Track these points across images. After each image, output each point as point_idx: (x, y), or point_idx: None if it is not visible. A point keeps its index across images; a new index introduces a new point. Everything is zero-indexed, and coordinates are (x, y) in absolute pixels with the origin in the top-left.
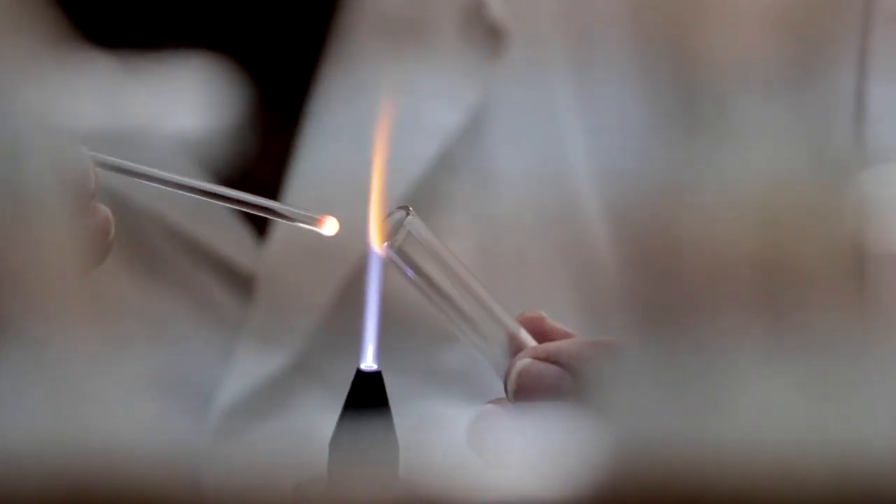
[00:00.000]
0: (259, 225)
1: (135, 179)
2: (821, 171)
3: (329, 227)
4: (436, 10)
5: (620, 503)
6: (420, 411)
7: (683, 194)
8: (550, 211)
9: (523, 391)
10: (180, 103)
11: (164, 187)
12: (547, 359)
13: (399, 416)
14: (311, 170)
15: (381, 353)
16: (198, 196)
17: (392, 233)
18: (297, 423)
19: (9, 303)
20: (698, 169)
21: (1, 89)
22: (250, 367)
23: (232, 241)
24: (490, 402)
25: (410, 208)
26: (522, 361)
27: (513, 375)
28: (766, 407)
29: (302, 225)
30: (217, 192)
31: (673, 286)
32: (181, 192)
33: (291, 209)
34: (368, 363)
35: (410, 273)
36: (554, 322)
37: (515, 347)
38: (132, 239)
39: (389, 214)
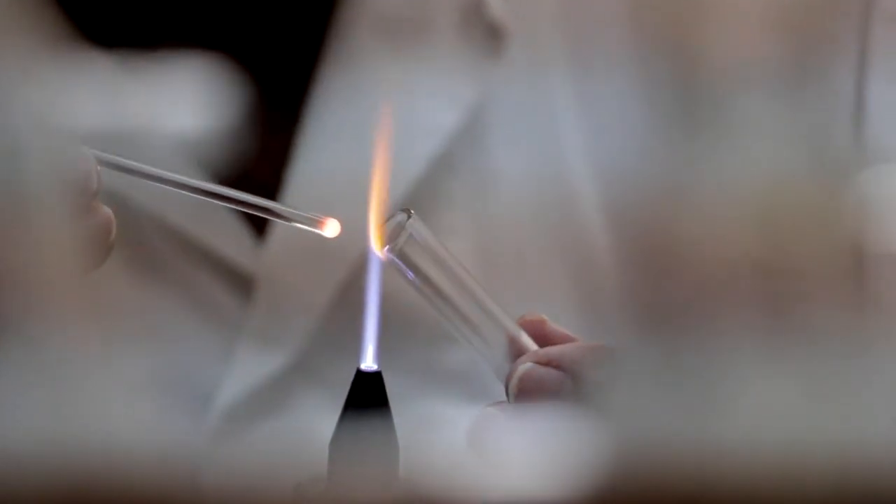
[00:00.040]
0: (258, 225)
1: (135, 179)
2: (821, 171)
3: (330, 229)
4: (435, 9)
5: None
6: (420, 411)
7: (683, 194)
8: (550, 211)
9: (525, 395)
10: (180, 103)
11: (164, 187)
12: (548, 363)
13: (399, 416)
14: (311, 169)
15: (381, 353)
16: (200, 196)
17: (393, 235)
18: (297, 423)
19: (9, 303)
20: (698, 169)
21: (1, 89)
22: (250, 368)
23: (231, 241)
24: (490, 404)
25: (412, 211)
26: (524, 366)
27: (514, 379)
28: (766, 407)
29: (303, 227)
30: (221, 192)
31: (672, 286)
32: (183, 191)
33: (293, 211)
34: (368, 363)
35: (411, 276)
36: (555, 325)
37: (516, 351)
38: (132, 239)
39: (391, 217)
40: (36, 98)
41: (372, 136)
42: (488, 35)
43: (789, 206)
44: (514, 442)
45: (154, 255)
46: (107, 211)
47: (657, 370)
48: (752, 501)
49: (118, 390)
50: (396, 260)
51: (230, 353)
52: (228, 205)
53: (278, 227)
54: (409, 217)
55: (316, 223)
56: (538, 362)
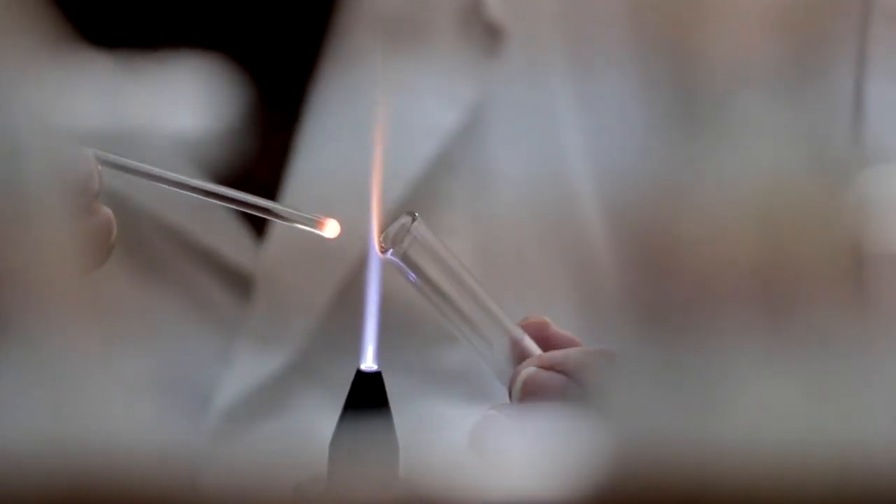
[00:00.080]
0: (258, 225)
1: (135, 179)
2: (820, 171)
3: (330, 229)
4: (434, 9)
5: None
6: (420, 411)
7: (683, 194)
8: (549, 210)
9: (528, 399)
10: (179, 103)
11: (164, 187)
12: (552, 367)
13: (399, 416)
14: (310, 169)
15: (381, 353)
16: (200, 196)
17: (398, 238)
18: (297, 423)
19: (9, 303)
20: (698, 168)
21: (1, 89)
22: (250, 368)
23: (231, 241)
24: (491, 406)
25: (416, 214)
26: (528, 370)
27: (518, 383)
28: (766, 407)
29: (303, 227)
30: (220, 192)
31: (672, 286)
32: (183, 191)
33: (293, 211)
34: (368, 363)
35: (415, 278)
36: (557, 328)
37: (519, 354)
38: (131, 239)
39: (395, 219)
40: (36, 98)
41: (371, 136)
42: (487, 35)
43: (789, 206)
44: (516, 443)
45: (154, 256)
46: (107, 211)
47: (657, 370)
48: (752, 501)
49: (118, 390)
50: (400, 263)
51: (230, 353)
52: (228, 205)
53: (278, 228)
54: (414, 220)
55: (315, 223)
56: (542, 366)
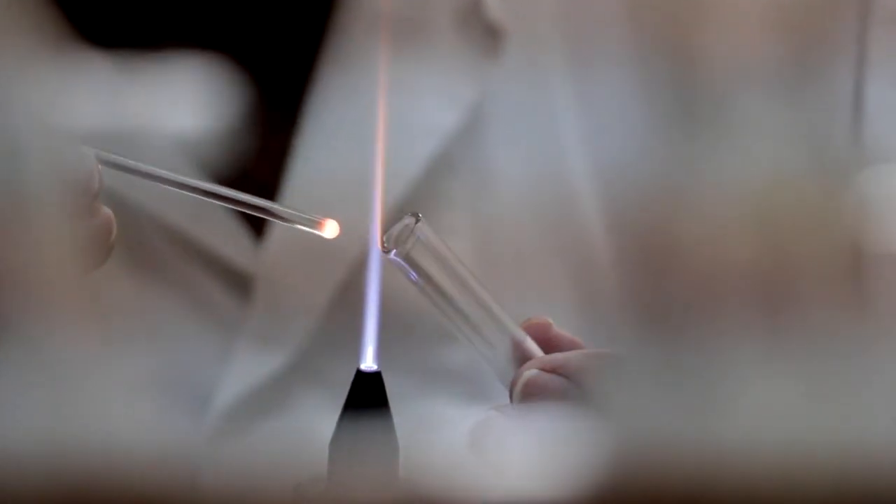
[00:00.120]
0: (257, 225)
1: (135, 179)
2: (820, 171)
3: (330, 230)
4: (433, 9)
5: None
6: (420, 411)
7: (682, 194)
8: (549, 210)
9: (529, 401)
10: (179, 103)
11: (164, 187)
12: (553, 370)
13: (399, 416)
14: (310, 169)
15: (381, 353)
16: (200, 196)
17: (401, 239)
18: (297, 423)
19: (9, 303)
20: (697, 168)
21: (1, 89)
22: (249, 368)
23: (230, 241)
24: (491, 407)
25: (420, 214)
26: (529, 372)
27: (519, 385)
28: (766, 407)
29: (303, 228)
30: (220, 192)
31: (672, 286)
32: (183, 191)
33: (293, 211)
34: (368, 363)
35: (417, 279)
36: (560, 329)
37: (521, 355)
38: (131, 239)
39: (398, 220)
40: (36, 98)
41: (370, 136)
42: (487, 35)
43: (789, 206)
44: (516, 444)
45: (154, 256)
46: (107, 211)
47: (657, 370)
48: (752, 501)
49: (118, 390)
50: (403, 263)
51: (230, 353)
52: (228, 205)
53: (277, 228)
54: (418, 221)
55: (315, 224)
56: (543, 369)
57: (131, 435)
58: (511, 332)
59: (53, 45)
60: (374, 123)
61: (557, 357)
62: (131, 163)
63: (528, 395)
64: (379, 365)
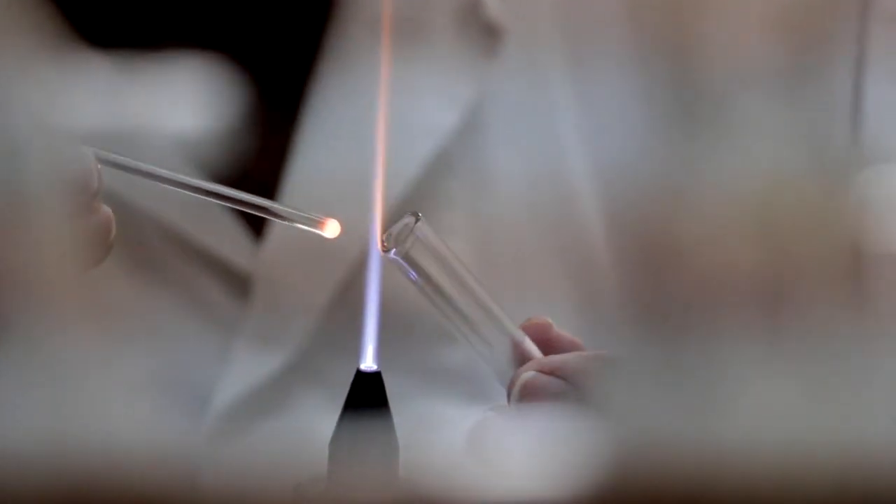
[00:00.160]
0: (256, 225)
1: (134, 179)
2: (820, 171)
3: (330, 229)
4: (433, 9)
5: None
6: (420, 411)
7: (682, 194)
8: (548, 210)
9: (527, 402)
10: (178, 103)
11: (164, 186)
12: (551, 372)
13: (399, 416)
14: (309, 169)
15: (381, 353)
16: (200, 196)
17: (401, 238)
18: (297, 423)
19: (9, 303)
20: (697, 168)
21: (1, 89)
22: (248, 368)
23: (229, 241)
24: (489, 408)
25: (420, 214)
26: (527, 373)
27: (517, 386)
28: (766, 407)
29: (303, 227)
30: (220, 192)
31: (672, 286)
32: (182, 191)
33: (293, 211)
34: (368, 363)
35: (416, 278)
36: (560, 330)
37: (520, 356)
38: (130, 239)
39: (398, 219)
40: (36, 98)
41: (370, 136)
42: (486, 34)
43: (789, 207)
44: (514, 445)
45: (153, 256)
46: (107, 210)
47: (657, 371)
48: (753, 501)
49: (118, 390)
50: (402, 263)
51: (229, 353)
52: (227, 204)
53: (276, 227)
54: (418, 220)
55: (316, 223)
56: (542, 371)
57: (131, 435)
58: (510, 333)
59: (53, 45)
60: (374, 123)
61: (555, 359)
62: (131, 162)
63: (525, 396)
64: (379, 365)
